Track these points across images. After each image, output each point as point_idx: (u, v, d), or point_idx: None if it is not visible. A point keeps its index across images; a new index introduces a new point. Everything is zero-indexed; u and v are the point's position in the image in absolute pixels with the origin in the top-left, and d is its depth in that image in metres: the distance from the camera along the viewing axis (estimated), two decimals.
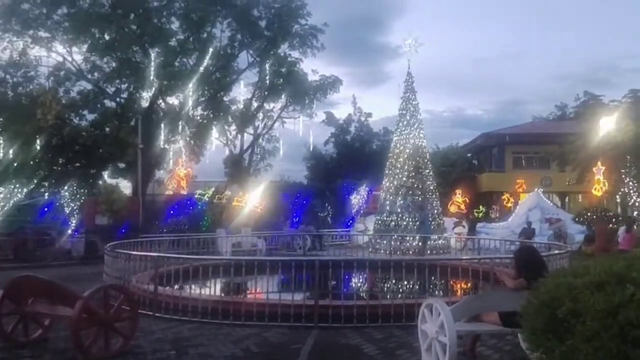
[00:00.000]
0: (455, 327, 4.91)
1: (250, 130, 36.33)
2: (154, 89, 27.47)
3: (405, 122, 20.61)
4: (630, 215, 21.02)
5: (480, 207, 32.26)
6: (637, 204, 22.94)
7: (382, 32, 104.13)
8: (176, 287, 8.72)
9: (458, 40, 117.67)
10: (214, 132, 33.13)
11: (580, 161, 25.65)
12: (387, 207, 20.19)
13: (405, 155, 20.13)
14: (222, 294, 8.68)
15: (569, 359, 2.52)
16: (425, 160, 20.55)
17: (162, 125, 28.73)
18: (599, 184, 21.08)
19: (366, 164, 35.75)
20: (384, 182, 20.97)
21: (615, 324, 2.37)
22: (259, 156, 37.93)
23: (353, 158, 39.40)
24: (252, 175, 36.24)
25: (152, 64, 26.67)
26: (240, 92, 34.17)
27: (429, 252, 17.98)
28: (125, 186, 31.00)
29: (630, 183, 23.18)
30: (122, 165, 30.80)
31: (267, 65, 32.36)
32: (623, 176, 23.76)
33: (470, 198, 32.35)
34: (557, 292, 2.77)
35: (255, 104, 35.04)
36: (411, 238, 18.73)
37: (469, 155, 41.75)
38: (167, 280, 8.80)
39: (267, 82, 32.76)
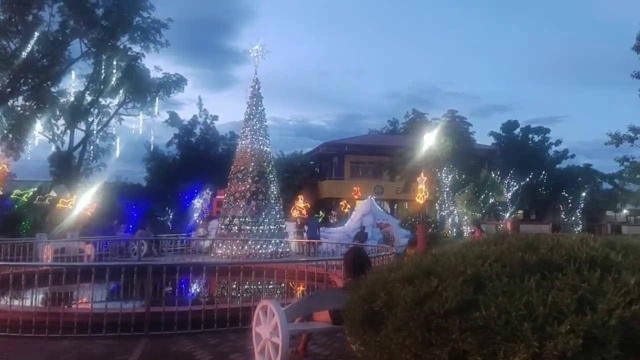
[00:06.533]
0: (288, 327, 5.01)
1: (83, 126, 33.25)
2: None
3: (250, 128, 20.68)
4: (476, 218, 23.75)
5: (320, 212, 33.72)
6: (450, 210, 26.04)
7: (231, 36, 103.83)
8: None
9: (305, 52, 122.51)
10: (38, 126, 29.64)
11: (407, 172, 28.37)
12: (231, 212, 20.02)
13: (251, 160, 20.19)
14: (37, 305, 7.73)
15: (382, 348, 2.71)
16: (270, 166, 20.83)
17: None
18: (421, 193, 23.36)
19: (211, 167, 35.11)
20: (228, 186, 20.76)
21: (421, 314, 2.60)
22: (91, 155, 34.83)
23: (197, 161, 38.41)
24: (82, 175, 33.16)
25: None
26: (72, 84, 31.12)
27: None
28: None
29: (446, 193, 26.24)
30: None
31: (103, 57, 29.96)
32: (441, 186, 26.81)
33: (312, 204, 33.65)
34: (374, 287, 2.98)
35: (89, 98, 32.18)
36: (254, 242, 18.79)
37: (311, 162, 43.53)
38: None
39: (103, 75, 30.32)
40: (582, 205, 39.47)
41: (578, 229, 34.94)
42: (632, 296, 2.40)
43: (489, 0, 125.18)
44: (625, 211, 51.54)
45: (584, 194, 39.43)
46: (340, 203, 34.40)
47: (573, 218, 39.44)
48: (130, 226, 25.58)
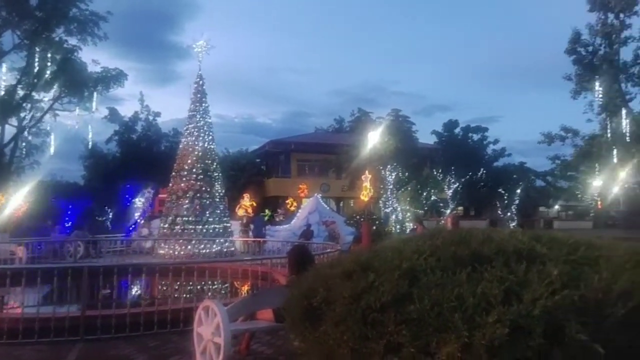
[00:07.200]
0: (230, 327, 4.96)
1: (14, 121, 31.45)
2: None
3: (194, 125, 20.28)
4: (418, 215, 24.28)
5: (267, 210, 33.54)
6: (393, 207, 26.60)
7: (174, 30, 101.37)
8: None
9: (251, 49, 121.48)
10: None
11: (352, 170, 28.73)
12: (174, 211, 19.55)
13: (194, 158, 19.80)
14: None
15: (321, 344, 2.73)
16: (215, 164, 20.50)
17: None
18: (366, 190, 23.71)
19: (153, 165, 34.19)
20: (170, 185, 20.27)
21: (358, 308, 2.63)
22: (23, 152, 32.99)
23: (139, 158, 37.29)
24: (14, 173, 31.40)
25: None
26: (2, 77, 29.35)
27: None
28: None
29: (389, 190, 26.77)
30: None
31: (37, 50, 28.46)
32: (385, 184, 27.34)
33: (258, 202, 33.41)
34: (314, 283, 2.99)
35: (21, 92, 30.47)
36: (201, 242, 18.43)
37: (258, 160, 43.27)
38: None
39: (37, 68, 28.81)
40: (517, 201, 41.34)
41: (513, 224, 36.57)
42: (555, 286, 2.52)
43: (435, 3, 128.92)
44: (556, 207, 54.50)
45: (518, 191, 41.31)
46: (287, 201, 34.37)
47: (509, 214, 41.26)
48: (67, 225, 24.50)
